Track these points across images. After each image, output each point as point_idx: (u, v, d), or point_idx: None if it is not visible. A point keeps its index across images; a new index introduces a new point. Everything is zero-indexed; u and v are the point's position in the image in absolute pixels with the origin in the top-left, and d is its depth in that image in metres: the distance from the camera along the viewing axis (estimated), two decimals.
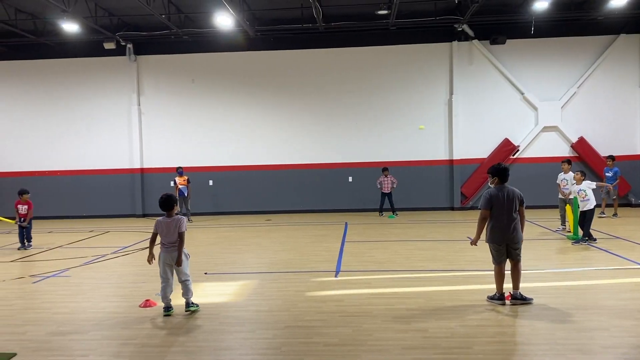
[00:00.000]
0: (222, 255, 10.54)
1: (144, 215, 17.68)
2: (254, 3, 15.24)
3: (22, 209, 11.83)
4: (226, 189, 17.77)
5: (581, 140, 16.70)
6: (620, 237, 11.04)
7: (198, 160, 17.74)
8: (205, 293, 7.48)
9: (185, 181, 15.93)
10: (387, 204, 15.99)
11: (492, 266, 6.62)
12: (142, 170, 17.87)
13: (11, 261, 10.47)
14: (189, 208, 15.99)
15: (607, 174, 14.62)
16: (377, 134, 17.37)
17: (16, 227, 11.99)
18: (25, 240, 11.83)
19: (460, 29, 16.41)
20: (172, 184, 16.56)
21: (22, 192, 11.97)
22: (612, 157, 14.70)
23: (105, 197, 17.89)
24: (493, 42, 16.82)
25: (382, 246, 10.98)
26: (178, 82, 17.83)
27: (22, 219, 11.78)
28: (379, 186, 16.06)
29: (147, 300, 6.93)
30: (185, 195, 15.86)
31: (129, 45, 17.43)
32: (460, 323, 5.83)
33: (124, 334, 5.84)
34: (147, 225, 15.27)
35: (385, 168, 16.06)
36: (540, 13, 15.09)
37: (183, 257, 6.51)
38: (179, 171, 16.04)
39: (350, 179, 17.52)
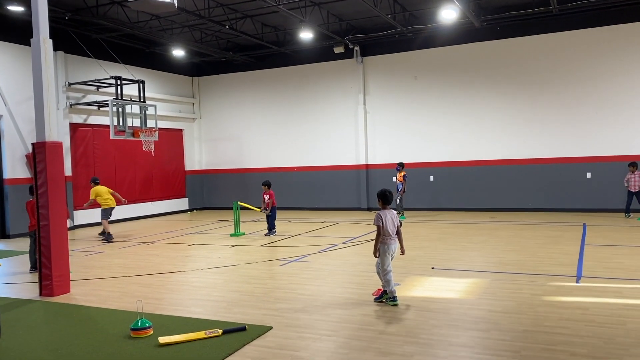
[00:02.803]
0: (447, 251, 10.46)
1: (369, 209, 18.51)
2: None
3: (266, 198, 13.44)
4: (446, 185, 17.59)
5: None
6: None
7: (419, 156, 17.90)
8: (434, 287, 7.54)
9: (402, 177, 16.12)
10: (635, 204, 14.02)
11: None
12: (367, 166, 18.74)
13: (260, 245, 11.96)
14: (402, 205, 16.00)
15: None
16: (623, 123, 15.31)
17: (263, 215, 13.67)
18: (268, 228, 13.43)
19: None
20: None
21: (265, 184, 13.61)
22: None
23: (334, 192, 19.23)
24: None
25: (631, 252, 9.66)
26: (401, 79, 18.23)
27: (266, 208, 13.38)
28: (626, 184, 14.18)
29: (379, 289, 7.26)
30: (399, 190, 16.06)
31: (356, 48, 18.40)
32: None
33: (361, 320, 6.20)
34: (372, 218, 15.92)
35: (633, 163, 14.09)
36: None
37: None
38: (397, 168, 16.27)
39: (588, 175, 15.80)
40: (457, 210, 17.19)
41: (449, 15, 14.77)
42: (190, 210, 21.04)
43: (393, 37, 17.47)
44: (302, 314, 6.54)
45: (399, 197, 15.81)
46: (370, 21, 16.92)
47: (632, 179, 14.02)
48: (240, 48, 19.43)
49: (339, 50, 18.45)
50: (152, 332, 5.82)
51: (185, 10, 14.24)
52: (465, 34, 16.82)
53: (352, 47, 18.36)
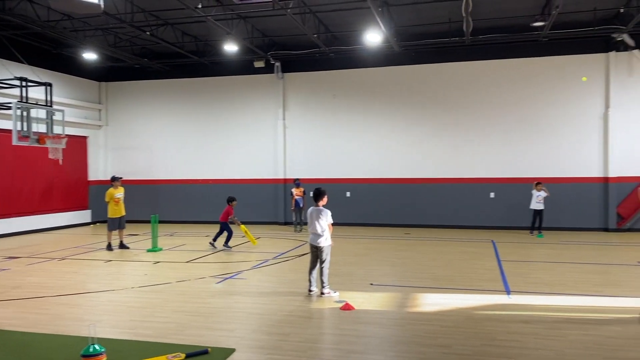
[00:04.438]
0: (379, 267, 10.76)
1: (286, 223, 18.51)
2: (400, 19, 15.47)
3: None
4: (363, 201, 18.10)
5: None
6: None
7: (336, 172, 18.29)
8: (380, 303, 7.73)
9: (302, 193, 16.60)
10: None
11: None
12: (285, 180, 18.77)
13: (186, 262, 11.48)
14: (302, 219, 16.44)
15: None
16: (524, 149, 16.78)
17: (180, 229, 13.22)
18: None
19: (620, 39, 15.42)
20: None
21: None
22: None
23: (252, 205, 18.98)
24: None
25: (544, 267, 10.59)
26: (320, 97, 18.58)
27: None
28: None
29: (346, 303, 7.40)
30: (301, 206, 16.48)
31: (277, 64, 18.46)
32: None
33: (325, 338, 6.20)
34: (290, 231, 16.04)
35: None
36: None
37: None
38: (297, 183, 16.78)
39: (492, 194, 17.08)
40: (373, 226, 17.73)
41: (373, 38, 15.35)
42: (94, 223, 19.72)
43: (314, 55, 17.78)
44: (261, 334, 6.42)
45: (298, 213, 16.47)
46: (294, 39, 17.09)
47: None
48: (157, 55, 18.70)
49: (259, 64, 18.42)
50: (106, 359, 5.39)
51: (106, 13, 13.47)
52: (385, 58, 17.55)
53: (273, 62, 18.40)
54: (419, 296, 8.18)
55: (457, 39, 15.78)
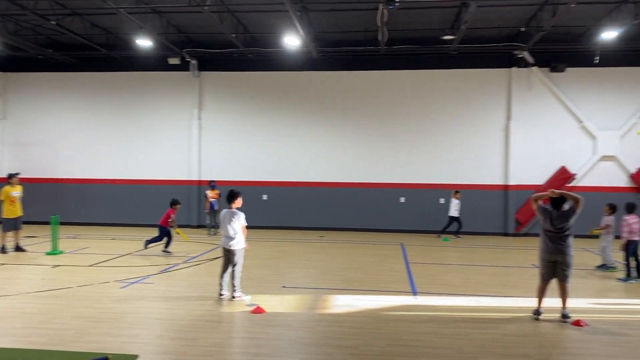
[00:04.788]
0: (292, 270, 10.78)
1: (199, 226, 18.08)
2: (319, 25, 15.65)
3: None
4: (279, 204, 18.07)
5: None
6: None
7: (253, 174, 18.14)
8: (292, 305, 7.72)
9: (217, 195, 16.33)
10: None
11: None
12: (199, 182, 18.34)
13: (89, 265, 10.87)
14: (217, 222, 16.19)
15: None
16: (432, 157, 17.51)
17: (82, 231, 12.48)
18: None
19: (521, 56, 16.52)
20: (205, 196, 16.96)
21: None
22: None
23: (163, 207, 18.33)
24: (553, 70, 16.86)
25: (449, 269, 11.08)
26: (238, 98, 18.35)
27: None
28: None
29: (257, 306, 7.31)
30: (216, 209, 16.24)
31: (194, 62, 18.02)
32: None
33: (231, 343, 6.08)
34: (204, 234, 15.69)
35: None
36: (603, 43, 15.11)
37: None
38: (212, 185, 16.49)
39: (402, 199, 17.66)
40: (289, 229, 17.74)
41: (292, 42, 15.39)
42: None
43: (233, 55, 17.54)
44: (166, 339, 6.19)
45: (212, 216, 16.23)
46: (211, 37, 16.78)
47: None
48: (63, 46, 17.61)
49: (174, 61, 17.86)
50: None
51: None
52: (304, 62, 17.64)
53: (189, 60, 17.94)
54: (330, 298, 8.27)
55: (372, 47, 16.20)
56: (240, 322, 7.01)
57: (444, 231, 16.22)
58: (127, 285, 9.00)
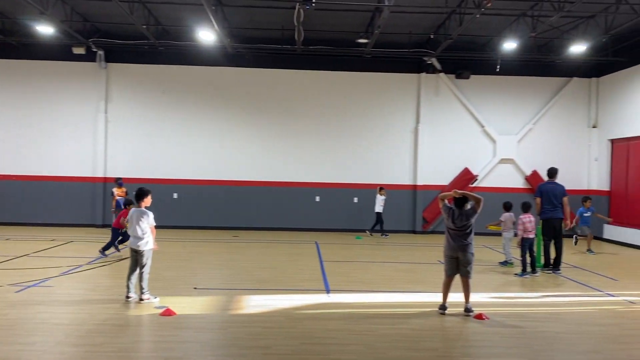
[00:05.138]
0: (205, 271, 10.55)
1: (104, 226, 17.19)
2: (234, 21, 15.43)
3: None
4: (191, 203, 17.61)
5: (534, 174, 17.79)
6: (577, 267, 11.91)
7: (164, 172, 17.54)
8: (202, 307, 7.54)
9: (124, 193, 15.60)
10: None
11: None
12: (105, 179, 17.44)
13: None
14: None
15: (585, 214, 14.55)
16: (347, 157, 17.84)
17: None
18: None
19: (429, 62, 17.25)
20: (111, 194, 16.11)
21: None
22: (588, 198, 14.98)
23: (64, 205, 17.32)
24: (458, 77, 17.77)
25: (362, 266, 11.33)
26: (148, 92, 17.66)
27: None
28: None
29: (167, 308, 7.04)
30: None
31: (100, 52, 17.12)
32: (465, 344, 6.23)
33: (141, 347, 5.83)
34: (109, 235, 14.90)
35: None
36: (504, 53, 16.14)
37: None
38: (119, 182, 15.70)
39: (317, 198, 17.84)
40: (201, 229, 17.33)
41: (206, 37, 15.04)
42: None
43: (143, 47, 16.84)
44: (67, 346, 5.82)
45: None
46: (120, 27, 16.02)
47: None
48: None
49: (78, 51, 16.87)
50: None
51: None
52: (219, 58, 17.31)
53: (95, 50, 17.01)
54: (243, 299, 8.17)
55: (289, 47, 16.21)
56: (149, 326, 6.74)
57: (373, 229, 16.63)
58: (23, 289, 8.36)
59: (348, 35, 15.96)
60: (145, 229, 7.70)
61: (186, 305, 7.63)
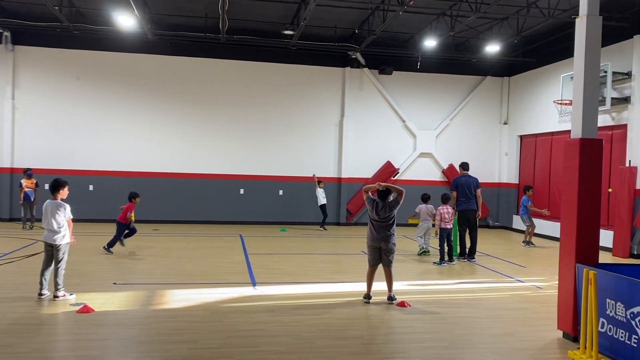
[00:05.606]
0: (123, 265, 10.15)
1: (11, 219, 16.10)
2: (155, 6, 14.88)
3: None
4: (108, 195, 16.81)
5: (451, 167, 18.60)
6: (490, 255, 12.62)
7: (78, 163, 16.66)
8: (123, 303, 7.28)
9: (34, 184, 14.80)
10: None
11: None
12: (12, 170, 16.30)
13: None
14: (34, 214, 14.78)
15: (526, 204, 14.82)
16: (272, 149, 17.78)
17: None
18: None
19: (354, 57, 17.53)
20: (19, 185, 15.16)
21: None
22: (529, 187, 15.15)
23: None
24: (381, 72, 18.20)
25: (285, 258, 11.37)
26: (61, 78, 16.67)
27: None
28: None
29: (85, 305, 6.71)
30: (32, 199, 14.76)
31: (7, 34, 15.95)
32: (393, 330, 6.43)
33: (52, 346, 5.53)
34: (18, 229, 14.02)
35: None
36: (425, 51, 16.72)
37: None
38: (28, 173, 14.82)
39: (242, 191, 17.66)
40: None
41: (125, 22, 14.39)
42: None
43: (55, 30, 15.85)
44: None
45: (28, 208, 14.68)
46: (29, 7, 14.97)
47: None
48: None
49: None
50: None
51: None
52: (139, 44, 16.63)
53: (1, 31, 15.81)
54: (166, 293, 7.96)
55: (213, 35, 15.86)
56: (65, 324, 6.40)
57: (324, 223, 16.75)
58: None
59: (274, 27, 15.88)
60: (61, 222, 7.30)
61: (105, 301, 7.31)
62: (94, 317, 6.61)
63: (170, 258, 11.00)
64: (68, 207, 7.42)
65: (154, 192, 17.05)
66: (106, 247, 11.27)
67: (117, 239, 11.46)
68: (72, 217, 7.50)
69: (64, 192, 7.50)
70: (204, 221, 17.24)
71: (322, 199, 16.55)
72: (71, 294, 7.41)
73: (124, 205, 11.68)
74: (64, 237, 7.36)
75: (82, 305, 6.87)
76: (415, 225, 12.58)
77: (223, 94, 17.54)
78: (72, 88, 16.74)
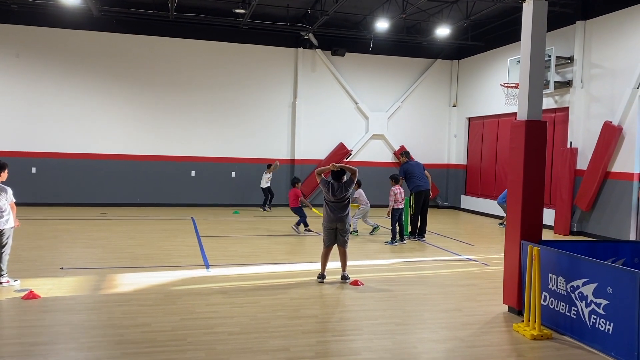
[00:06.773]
0: (70, 250, 9.84)
1: None
2: None
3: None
4: (52, 178, 16.22)
5: (402, 149, 18.80)
6: (439, 234, 12.98)
7: (19, 144, 15.93)
8: (71, 288, 7.08)
9: None
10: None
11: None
12: None
13: None
14: None
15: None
16: (223, 130, 17.54)
17: None
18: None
19: (307, 37, 17.41)
20: None
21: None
22: None
23: None
24: (334, 53, 18.20)
25: (239, 241, 11.32)
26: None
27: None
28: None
29: (30, 291, 6.47)
30: None
31: None
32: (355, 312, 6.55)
33: (10, 333, 5.34)
34: None
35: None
36: (377, 32, 16.80)
37: None
38: None
39: (193, 173, 17.37)
40: (63, 205, 16.07)
41: None
42: None
43: None
44: None
45: None
46: None
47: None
48: None
49: None
50: None
51: None
52: (83, 21, 15.92)
53: None
54: (117, 277, 7.80)
55: (161, 12, 15.38)
56: (10, 311, 6.18)
57: (265, 203, 16.88)
58: None
59: (225, 5, 15.55)
60: (4, 205, 6.99)
61: (52, 286, 7.09)
62: (40, 303, 6.40)
63: (120, 242, 10.75)
64: (10, 190, 7.11)
65: (101, 175, 16.59)
66: (298, 228, 12.48)
67: (302, 220, 12.51)
68: (14, 200, 7.20)
69: (4, 175, 7.18)
70: (154, 204, 16.90)
71: (264, 182, 16.75)
72: (15, 280, 7.14)
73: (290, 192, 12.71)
74: (8, 222, 7.07)
75: (27, 292, 6.64)
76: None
77: (173, 73, 17.11)
78: (12, 65, 15.91)
